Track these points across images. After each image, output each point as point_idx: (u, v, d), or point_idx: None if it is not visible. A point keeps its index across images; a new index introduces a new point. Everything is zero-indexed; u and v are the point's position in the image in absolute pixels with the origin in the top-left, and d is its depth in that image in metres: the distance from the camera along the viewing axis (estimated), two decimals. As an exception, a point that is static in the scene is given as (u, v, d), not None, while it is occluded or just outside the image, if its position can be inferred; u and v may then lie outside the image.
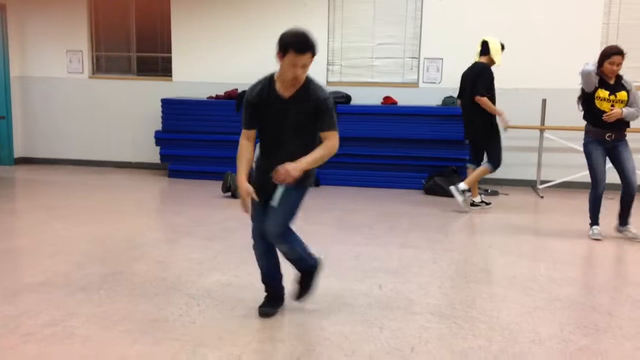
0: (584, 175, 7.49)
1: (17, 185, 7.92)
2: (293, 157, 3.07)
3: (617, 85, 5.28)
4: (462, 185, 6.41)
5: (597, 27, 7.64)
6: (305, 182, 3.23)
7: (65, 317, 3.37)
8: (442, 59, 8.02)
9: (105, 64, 9.25)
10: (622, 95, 5.25)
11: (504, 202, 6.98)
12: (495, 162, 6.41)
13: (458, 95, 6.76)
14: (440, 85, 8.04)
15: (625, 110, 5.20)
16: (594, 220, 5.45)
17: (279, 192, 3.16)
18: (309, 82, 3.15)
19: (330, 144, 3.13)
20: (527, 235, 5.54)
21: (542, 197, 7.23)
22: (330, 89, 8.13)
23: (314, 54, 3.05)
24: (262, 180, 3.24)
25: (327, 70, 8.31)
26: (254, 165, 3.32)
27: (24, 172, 8.57)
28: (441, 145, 7.51)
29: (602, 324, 3.44)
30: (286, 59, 3.01)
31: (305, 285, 3.48)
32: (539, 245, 5.24)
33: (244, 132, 3.27)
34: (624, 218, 5.43)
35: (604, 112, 5.22)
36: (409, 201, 6.96)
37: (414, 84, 8.17)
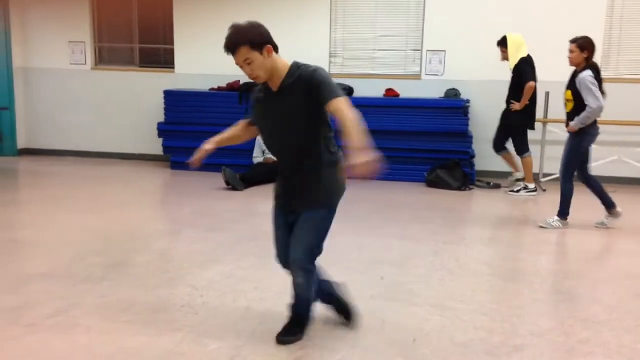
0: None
1: (20, 176, 7.94)
2: (299, 154, 2.78)
3: (571, 81, 5.37)
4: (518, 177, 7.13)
5: (599, 20, 7.60)
6: (330, 201, 2.85)
7: (68, 307, 3.39)
8: (444, 51, 7.99)
9: (107, 55, 9.24)
10: (567, 93, 5.36)
11: (506, 195, 6.98)
12: None
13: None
14: (442, 77, 8.01)
15: (574, 122, 5.27)
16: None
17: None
18: (292, 67, 2.76)
19: (345, 111, 2.57)
20: (529, 228, 5.55)
21: (544, 190, 7.22)
22: (332, 81, 8.14)
23: (251, 45, 2.65)
24: (282, 191, 2.96)
25: (329, 61, 8.29)
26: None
27: (27, 163, 8.59)
28: (443, 137, 7.49)
29: (602, 317, 3.45)
30: None
31: (290, 330, 3.06)
32: (540, 237, 5.24)
33: (245, 120, 3.09)
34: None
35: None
36: (411, 193, 6.96)
37: (417, 76, 8.15)
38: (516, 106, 6.77)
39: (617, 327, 3.32)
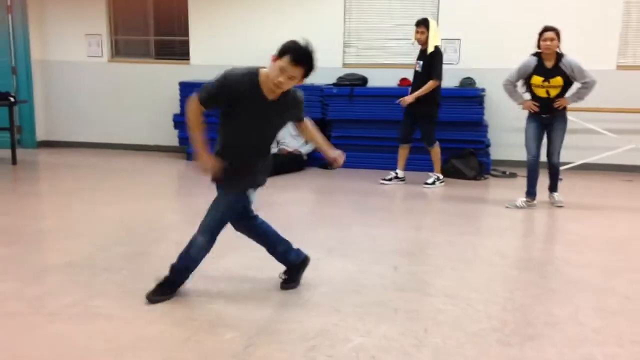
0: (604, 157, 7.46)
1: (39, 168, 8.06)
2: (259, 158, 3.27)
3: (553, 69, 5.47)
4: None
5: (617, 5, 7.51)
6: (228, 184, 3.35)
7: (89, 297, 3.46)
8: (459, 39, 7.95)
9: (123, 47, 9.32)
10: (557, 80, 5.45)
11: (522, 185, 6.94)
12: None
13: None
14: (457, 66, 7.98)
15: (571, 98, 5.52)
16: (527, 190, 5.86)
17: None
18: (291, 89, 3.15)
19: (313, 127, 3.41)
20: (544, 218, 5.53)
21: (561, 179, 7.15)
22: (346, 71, 8.13)
23: (307, 72, 2.98)
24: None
25: (344, 52, 8.28)
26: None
27: (46, 155, 8.71)
28: (458, 127, 7.47)
29: (617, 307, 3.45)
30: (279, 61, 2.94)
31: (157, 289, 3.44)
32: (556, 227, 5.23)
33: (199, 106, 3.07)
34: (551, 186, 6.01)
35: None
36: (426, 183, 6.95)
37: (432, 66, 8.10)
38: (409, 99, 6.50)
39: (632, 317, 3.32)
